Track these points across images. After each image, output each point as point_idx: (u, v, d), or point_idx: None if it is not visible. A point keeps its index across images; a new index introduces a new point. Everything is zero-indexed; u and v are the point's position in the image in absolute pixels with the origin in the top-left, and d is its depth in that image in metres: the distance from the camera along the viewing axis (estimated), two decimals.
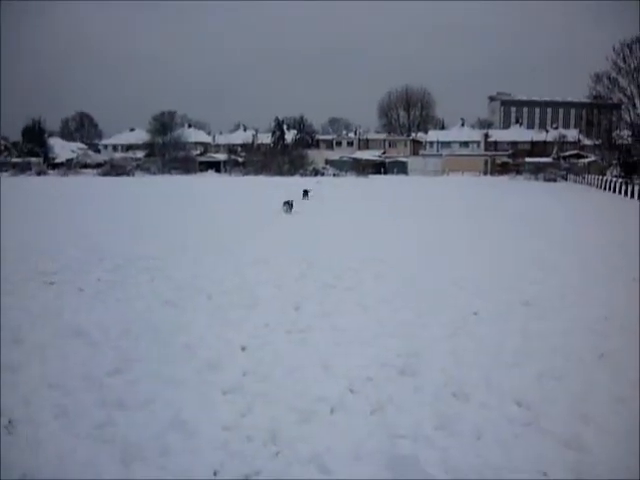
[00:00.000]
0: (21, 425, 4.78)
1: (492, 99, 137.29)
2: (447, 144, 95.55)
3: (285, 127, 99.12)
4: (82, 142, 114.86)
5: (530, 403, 5.21)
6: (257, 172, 76.64)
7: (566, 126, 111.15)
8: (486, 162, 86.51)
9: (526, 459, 4.29)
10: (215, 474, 4.10)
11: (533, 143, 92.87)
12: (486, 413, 5.03)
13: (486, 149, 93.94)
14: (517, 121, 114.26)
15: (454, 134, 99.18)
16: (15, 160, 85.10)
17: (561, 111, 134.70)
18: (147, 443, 4.44)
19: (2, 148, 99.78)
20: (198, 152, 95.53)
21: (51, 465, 4.16)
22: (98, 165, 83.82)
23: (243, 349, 6.61)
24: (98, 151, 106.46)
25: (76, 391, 5.43)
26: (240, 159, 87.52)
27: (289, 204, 23.56)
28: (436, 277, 10.60)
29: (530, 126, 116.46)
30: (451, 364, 6.16)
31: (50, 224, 19.07)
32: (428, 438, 4.59)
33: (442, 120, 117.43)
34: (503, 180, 66.49)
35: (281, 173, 74.26)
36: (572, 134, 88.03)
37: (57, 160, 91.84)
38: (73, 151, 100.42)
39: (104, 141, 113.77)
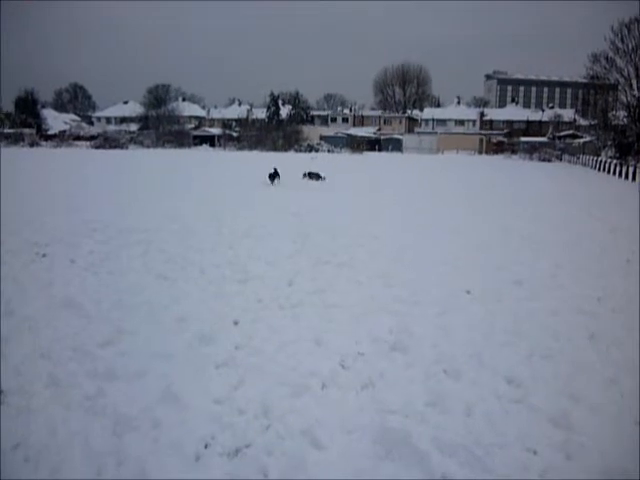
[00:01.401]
0: (12, 395, 4.77)
1: (488, 77, 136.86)
2: (442, 122, 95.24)
3: (280, 102, 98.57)
4: (75, 114, 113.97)
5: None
6: (251, 147, 76.29)
7: (562, 106, 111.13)
8: (481, 141, 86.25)
9: (515, 436, 4.31)
10: (206, 446, 4.10)
11: (529, 122, 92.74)
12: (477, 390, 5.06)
13: (481, 128, 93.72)
14: (513, 100, 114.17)
15: (450, 112, 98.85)
16: (8, 131, 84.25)
17: (557, 91, 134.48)
18: (138, 415, 4.44)
19: None
20: (192, 126, 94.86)
21: (42, 435, 4.16)
22: (91, 137, 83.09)
23: (235, 323, 6.61)
24: (91, 123, 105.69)
25: (67, 362, 5.42)
26: (234, 134, 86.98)
27: (275, 176, 23.93)
28: (427, 255, 10.59)
29: (526, 105, 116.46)
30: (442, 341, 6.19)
31: (42, 195, 18.91)
32: (419, 414, 4.60)
33: (438, 98, 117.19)
34: (498, 159, 66.43)
35: (275, 148, 73.93)
36: (568, 114, 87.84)
37: (50, 132, 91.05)
38: (66, 123, 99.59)
39: (97, 113, 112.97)
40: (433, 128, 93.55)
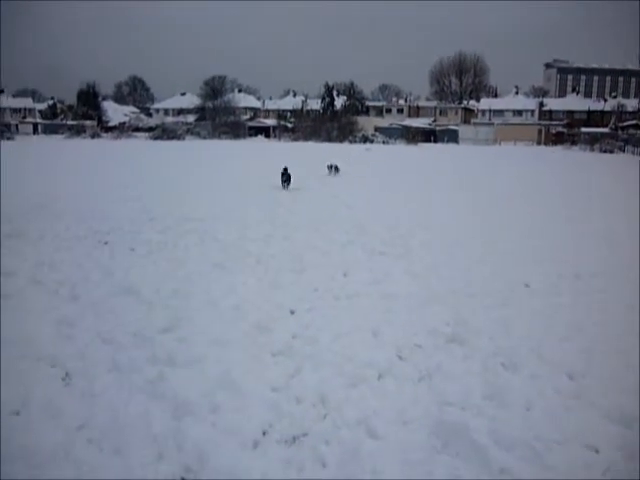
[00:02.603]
0: (76, 377, 4.93)
1: (548, 66, 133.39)
2: (500, 112, 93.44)
3: (335, 93, 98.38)
4: (134, 106, 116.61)
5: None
6: (306, 138, 76.48)
7: (626, 95, 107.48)
8: (540, 131, 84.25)
9: (576, 432, 4.20)
10: (264, 433, 4.14)
11: (590, 112, 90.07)
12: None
13: (540, 118, 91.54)
14: (574, 89, 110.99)
15: (507, 102, 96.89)
16: (70, 123, 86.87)
17: (621, 79, 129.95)
18: (197, 400, 4.51)
19: (58, 111, 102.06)
20: (247, 117, 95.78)
21: (105, 416, 4.28)
22: (150, 129, 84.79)
23: (292, 312, 6.65)
24: (150, 115, 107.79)
25: (128, 347, 5.55)
26: (289, 125, 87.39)
27: (334, 168, 23.94)
28: (485, 247, 10.43)
29: (587, 95, 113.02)
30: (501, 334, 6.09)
31: (104, 186, 19.44)
32: (476, 407, 4.54)
33: (495, 88, 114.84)
34: (556, 150, 64.64)
35: (330, 139, 73.97)
36: (632, 104, 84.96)
37: (110, 123, 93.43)
38: (126, 115, 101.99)
39: (156, 105, 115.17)
40: (490, 119, 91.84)
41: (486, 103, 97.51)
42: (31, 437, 4.01)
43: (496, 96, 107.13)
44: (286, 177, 19.00)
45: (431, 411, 4.45)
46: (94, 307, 6.68)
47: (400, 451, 3.94)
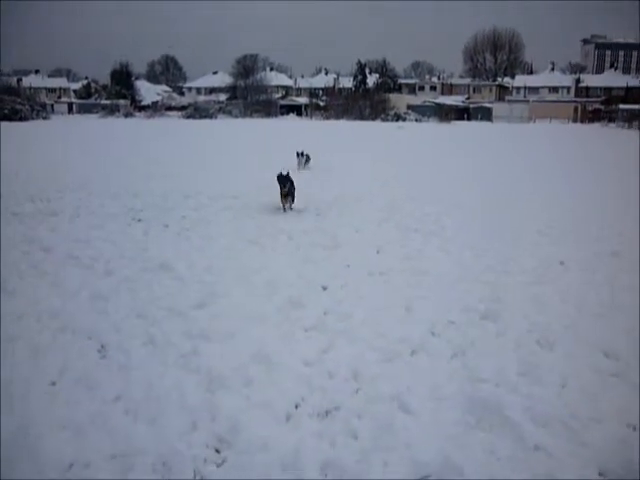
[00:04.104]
0: (112, 350, 5.00)
1: (586, 42, 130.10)
2: (535, 89, 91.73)
3: (367, 71, 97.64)
4: (167, 85, 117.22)
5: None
6: (338, 116, 76.08)
7: None
8: (576, 109, 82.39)
9: (614, 411, 4.13)
10: (296, 407, 4.15)
11: (628, 89, 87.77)
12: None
13: (577, 95, 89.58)
14: (612, 65, 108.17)
15: (543, 79, 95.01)
16: (104, 102, 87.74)
17: None
18: (231, 374, 4.54)
19: (92, 91, 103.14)
20: (279, 95, 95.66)
21: (141, 388, 4.33)
22: (182, 108, 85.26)
23: (324, 288, 6.64)
24: (182, 94, 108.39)
25: (163, 322, 5.61)
26: (321, 103, 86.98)
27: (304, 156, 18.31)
28: (519, 224, 10.28)
29: (626, 71, 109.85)
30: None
31: (138, 163, 19.61)
32: (511, 383, 4.49)
33: (530, 64, 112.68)
34: (592, 128, 63.18)
35: (362, 117, 73.49)
36: None
37: (143, 103, 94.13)
38: (158, 94, 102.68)
39: (188, 84, 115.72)
40: (525, 96, 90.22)
41: (521, 80, 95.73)
42: (68, 407, 4.09)
43: (531, 73, 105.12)
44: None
45: (465, 387, 4.41)
46: (128, 282, 6.76)
47: (434, 426, 3.91)
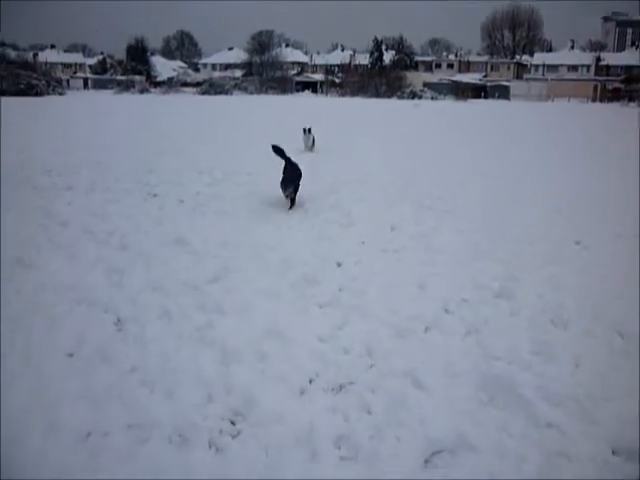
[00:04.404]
0: (128, 323, 5.05)
1: (606, 19, 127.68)
2: (554, 68, 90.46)
3: (384, 48, 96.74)
4: (182, 61, 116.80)
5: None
6: (354, 93, 75.55)
7: None
8: (595, 88, 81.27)
9: (628, 391, 4.12)
10: (310, 381, 4.18)
11: None
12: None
13: (596, 74, 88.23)
14: (633, 44, 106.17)
15: (562, 57, 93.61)
16: (119, 78, 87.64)
17: None
18: (245, 347, 4.58)
19: (108, 66, 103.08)
20: (295, 72, 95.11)
21: (157, 360, 4.39)
22: (197, 84, 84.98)
23: (339, 265, 6.65)
24: (197, 70, 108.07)
25: (178, 295, 5.65)
26: (337, 80, 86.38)
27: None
28: (534, 203, 10.21)
29: None
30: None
31: (153, 138, 19.62)
32: (524, 362, 4.49)
33: (550, 42, 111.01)
34: (611, 107, 62.22)
35: (378, 95, 72.91)
36: None
37: (158, 78, 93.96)
38: (174, 70, 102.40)
39: (203, 60, 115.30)
40: (543, 74, 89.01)
41: (540, 58, 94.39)
42: (85, 378, 4.15)
43: (550, 50, 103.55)
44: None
45: (478, 365, 4.42)
46: (144, 256, 6.80)
47: (447, 402, 3.93)
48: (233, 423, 3.72)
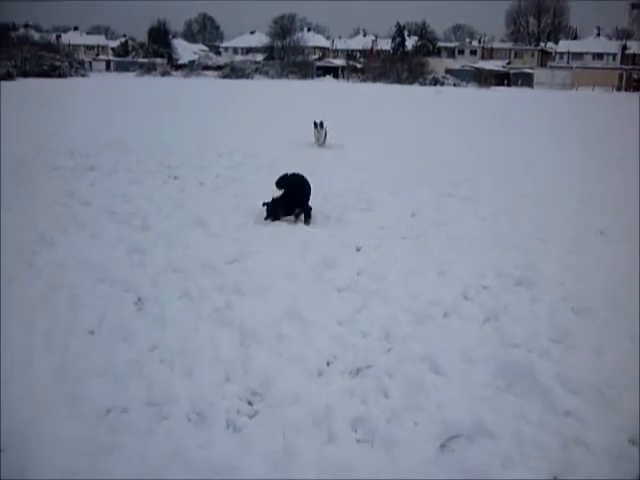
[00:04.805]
0: (149, 302, 5.10)
1: (634, 7, 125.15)
2: (579, 55, 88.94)
3: (406, 33, 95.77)
4: (204, 44, 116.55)
5: None
6: (375, 79, 74.94)
7: None
8: (621, 77, 79.77)
9: None
10: (328, 364, 4.20)
11: None
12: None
13: (622, 62, 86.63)
14: None
15: (587, 45, 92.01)
16: (141, 60, 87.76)
17: None
18: (264, 329, 4.60)
19: (130, 49, 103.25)
20: (316, 57, 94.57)
21: (176, 340, 4.43)
22: (218, 67, 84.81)
23: (358, 249, 6.65)
24: (219, 53, 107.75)
25: (197, 276, 5.69)
26: (358, 65, 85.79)
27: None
28: (558, 192, 10.10)
29: None
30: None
31: (173, 121, 19.70)
32: (544, 349, 4.46)
33: (575, 29, 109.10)
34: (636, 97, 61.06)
35: (399, 81, 72.29)
36: None
37: (180, 61, 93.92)
38: (195, 53, 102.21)
39: (225, 43, 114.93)
40: (568, 62, 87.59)
41: (565, 45, 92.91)
42: (106, 355, 4.20)
43: (576, 38, 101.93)
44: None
45: (496, 351, 4.40)
46: (165, 237, 6.85)
47: (464, 388, 3.93)
48: (250, 403, 3.75)
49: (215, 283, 5.52)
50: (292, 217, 7.70)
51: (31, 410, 3.58)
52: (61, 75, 59.08)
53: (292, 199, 7.62)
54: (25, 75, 54.44)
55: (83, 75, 65.38)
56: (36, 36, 79.63)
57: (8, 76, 50.69)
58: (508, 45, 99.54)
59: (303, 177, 7.83)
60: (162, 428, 3.47)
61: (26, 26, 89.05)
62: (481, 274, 5.97)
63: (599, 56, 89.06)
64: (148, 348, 4.31)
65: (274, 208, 7.52)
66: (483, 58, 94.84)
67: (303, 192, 7.66)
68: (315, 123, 14.58)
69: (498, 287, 5.68)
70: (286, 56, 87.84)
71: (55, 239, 6.68)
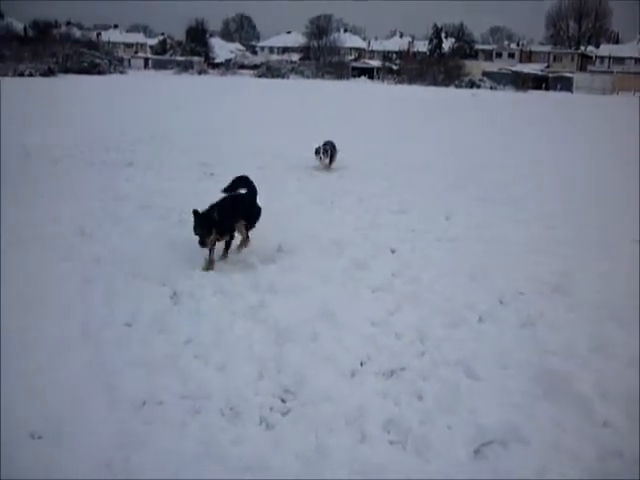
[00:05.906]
0: (184, 297, 5.15)
1: None
2: (620, 60, 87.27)
3: (443, 35, 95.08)
4: (240, 43, 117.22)
5: None
6: (411, 81, 74.57)
7: None
8: None
9: None
10: (362, 364, 4.18)
11: None
12: None
13: None
14: None
15: (629, 49, 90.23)
16: (179, 59, 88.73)
17: None
18: (297, 328, 4.60)
19: (168, 47, 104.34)
20: (352, 57, 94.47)
21: (211, 335, 4.46)
22: (254, 66, 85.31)
23: (392, 251, 6.62)
24: (255, 53, 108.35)
25: (232, 274, 5.72)
26: (394, 67, 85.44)
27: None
28: (595, 198, 9.94)
29: None
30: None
31: (209, 119, 19.86)
32: (581, 357, 4.38)
33: (617, 33, 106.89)
34: None
35: (435, 83, 71.81)
36: None
37: (216, 60, 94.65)
38: (232, 52, 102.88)
39: (261, 43, 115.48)
40: (609, 67, 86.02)
41: (605, 49, 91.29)
42: (142, 347, 4.25)
43: (617, 42, 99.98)
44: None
45: (533, 358, 4.34)
46: None
47: (499, 393, 3.88)
48: (283, 401, 3.75)
49: (250, 281, 5.55)
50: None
51: (67, 400, 3.63)
52: (101, 72, 60.06)
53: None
54: (66, 72, 55.49)
55: (122, 72, 66.32)
56: (77, 34, 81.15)
57: (50, 72, 51.81)
58: (547, 48, 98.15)
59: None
60: (196, 422, 3.50)
61: (68, 24, 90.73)
62: (517, 279, 5.90)
63: None
64: (183, 341, 4.35)
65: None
66: (521, 61, 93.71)
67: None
68: (317, 150, 11.75)
69: (534, 293, 5.60)
70: (322, 56, 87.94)
71: (92, 233, 6.79)
